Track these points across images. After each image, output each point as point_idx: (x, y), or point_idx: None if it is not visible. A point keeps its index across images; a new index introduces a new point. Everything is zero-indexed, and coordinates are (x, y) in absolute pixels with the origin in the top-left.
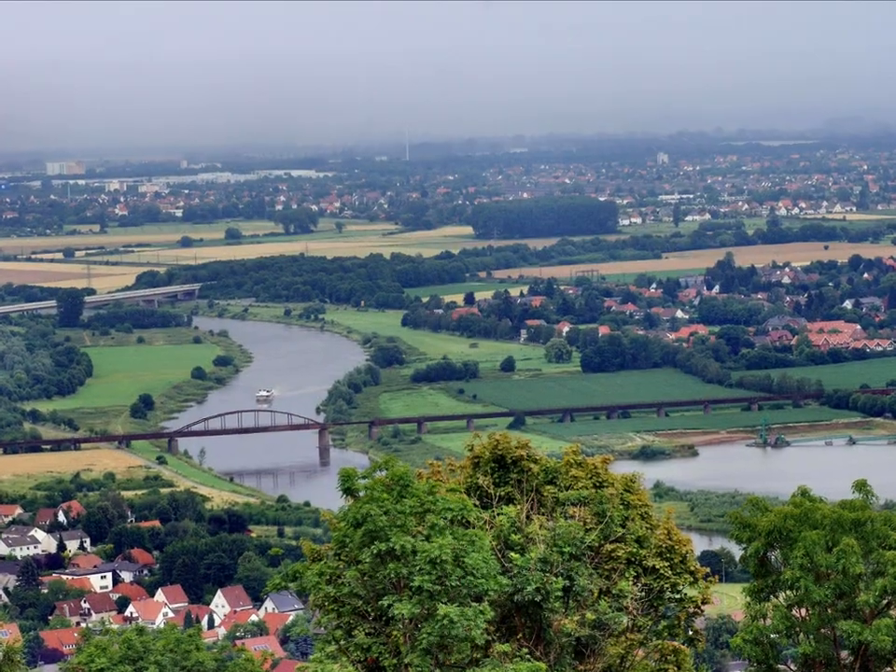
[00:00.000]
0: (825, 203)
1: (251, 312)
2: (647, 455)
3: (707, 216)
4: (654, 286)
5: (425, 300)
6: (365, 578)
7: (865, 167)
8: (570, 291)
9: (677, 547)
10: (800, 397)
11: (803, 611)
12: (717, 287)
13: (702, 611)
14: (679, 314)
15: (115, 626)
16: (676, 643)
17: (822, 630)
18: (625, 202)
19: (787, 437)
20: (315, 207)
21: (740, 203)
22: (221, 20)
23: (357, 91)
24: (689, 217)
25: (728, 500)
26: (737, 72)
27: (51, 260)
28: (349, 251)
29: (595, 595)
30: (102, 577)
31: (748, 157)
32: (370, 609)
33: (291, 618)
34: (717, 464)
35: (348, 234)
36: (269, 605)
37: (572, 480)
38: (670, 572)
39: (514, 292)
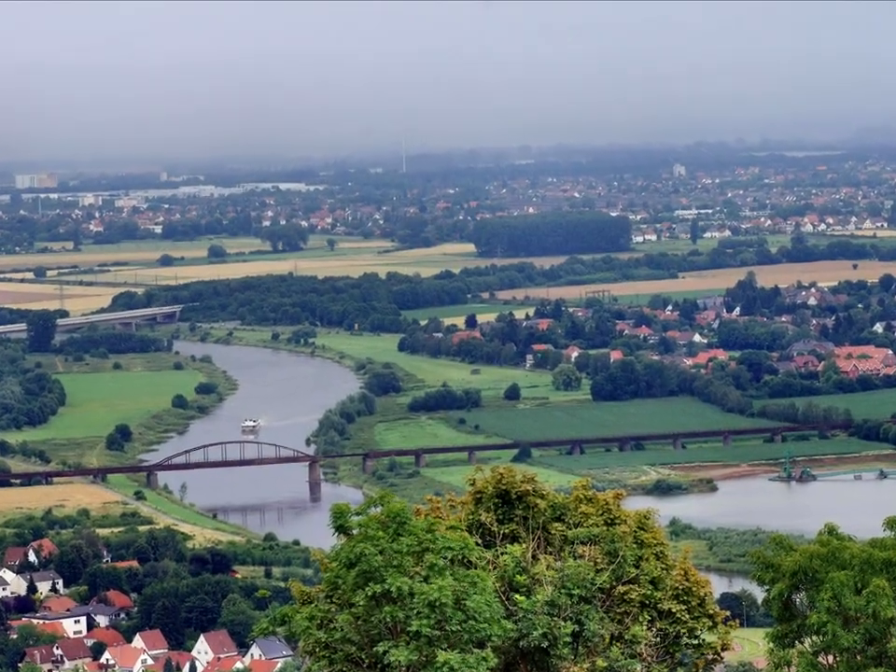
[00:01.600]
0: (854, 219)
1: (236, 336)
2: (662, 489)
3: (727, 232)
4: (670, 307)
5: (423, 322)
6: (359, 622)
7: None
8: (580, 313)
9: (694, 589)
10: (827, 427)
11: (830, 658)
12: (737, 309)
13: (721, 658)
14: (697, 338)
15: None
16: None
17: None
18: (639, 217)
19: (813, 470)
20: (304, 223)
21: (763, 219)
22: (206, 21)
23: (350, 98)
24: (707, 234)
25: (749, 539)
26: (759, 78)
27: (21, 280)
28: (342, 270)
29: (607, 640)
30: (75, 621)
31: (770, 169)
32: (364, 656)
33: (279, 665)
34: (737, 499)
35: (341, 252)
36: (255, 651)
37: (582, 517)
38: (687, 616)
39: (519, 314)
